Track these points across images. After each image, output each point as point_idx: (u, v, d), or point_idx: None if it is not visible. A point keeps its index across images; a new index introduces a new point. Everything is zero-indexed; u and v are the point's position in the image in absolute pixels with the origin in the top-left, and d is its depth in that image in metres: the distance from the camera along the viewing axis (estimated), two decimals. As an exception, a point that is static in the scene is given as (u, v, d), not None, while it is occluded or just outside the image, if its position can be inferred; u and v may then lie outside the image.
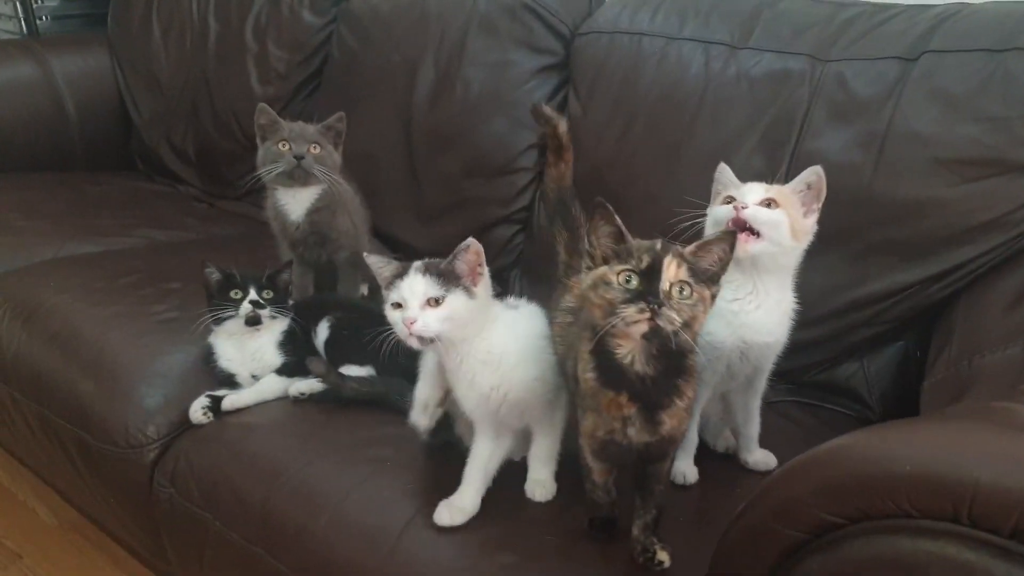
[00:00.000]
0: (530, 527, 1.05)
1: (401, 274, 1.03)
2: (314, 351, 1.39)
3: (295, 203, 1.54)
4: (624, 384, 0.88)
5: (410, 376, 1.37)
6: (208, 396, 1.31)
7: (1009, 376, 1.09)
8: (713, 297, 0.88)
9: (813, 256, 1.41)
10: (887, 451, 0.68)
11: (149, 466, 1.29)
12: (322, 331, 1.40)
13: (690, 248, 0.89)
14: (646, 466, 0.97)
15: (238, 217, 2.24)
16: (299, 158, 1.47)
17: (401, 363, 1.38)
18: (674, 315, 0.83)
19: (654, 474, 0.97)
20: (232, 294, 1.35)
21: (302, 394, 1.31)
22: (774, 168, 1.48)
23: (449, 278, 1.02)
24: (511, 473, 1.11)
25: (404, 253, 1.92)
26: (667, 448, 0.95)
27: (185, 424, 1.31)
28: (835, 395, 1.45)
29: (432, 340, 1.00)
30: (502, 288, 1.88)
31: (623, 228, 0.92)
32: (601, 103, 1.70)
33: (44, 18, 2.67)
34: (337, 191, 1.57)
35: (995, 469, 0.62)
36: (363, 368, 1.34)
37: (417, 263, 1.04)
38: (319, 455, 1.18)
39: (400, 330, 1.01)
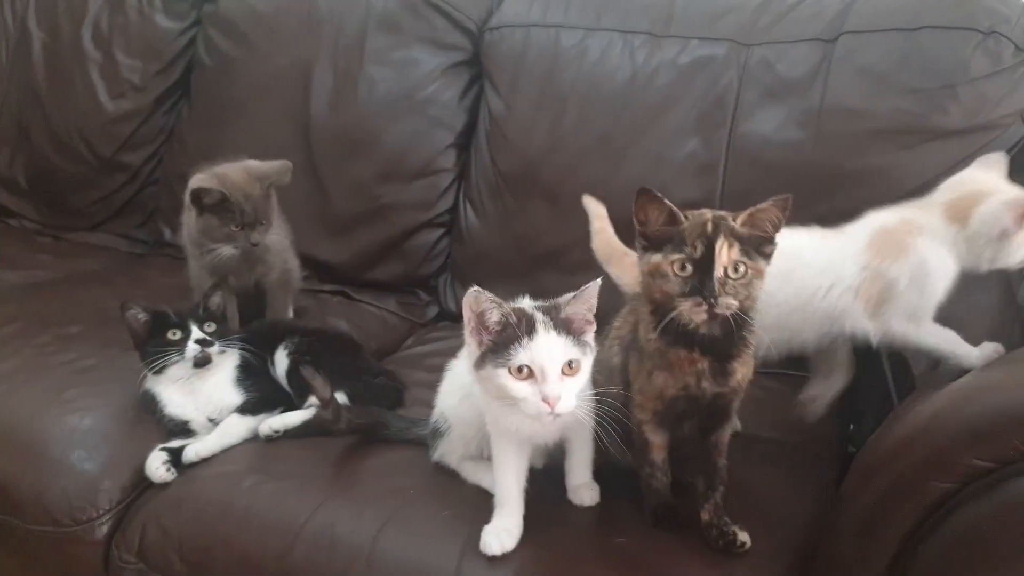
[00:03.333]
0: (590, 534, 0.99)
1: (526, 329, 0.86)
2: (274, 384, 1.23)
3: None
4: (695, 341, 0.90)
5: (385, 396, 1.26)
6: (164, 449, 1.11)
7: (985, 322, 1.19)
8: (768, 257, 0.90)
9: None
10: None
11: (103, 542, 1.07)
12: (280, 361, 1.24)
13: (742, 217, 0.90)
14: (708, 433, 0.96)
15: (97, 249, 1.97)
16: (255, 244, 1.34)
17: (373, 384, 1.27)
18: (730, 300, 0.86)
19: (717, 443, 0.96)
20: (170, 335, 1.17)
21: (276, 432, 1.15)
22: (712, 152, 1.52)
23: (573, 332, 0.88)
24: (540, 482, 1.02)
25: (314, 270, 1.76)
26: (732, 401, 0.94)
27: (142, 486, 1.10)
28: (794, 362, 1.49)
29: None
30: (431, 297, 1.80)
31: (673, 207, 0.90)
32: (526, 98, 1.66)
33: None
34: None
35: None
36: (338, 395, 1.20)
37: (539, 315, 0.88)
38: (329, 496, 1.03)
39: (533, 408, 0.86)
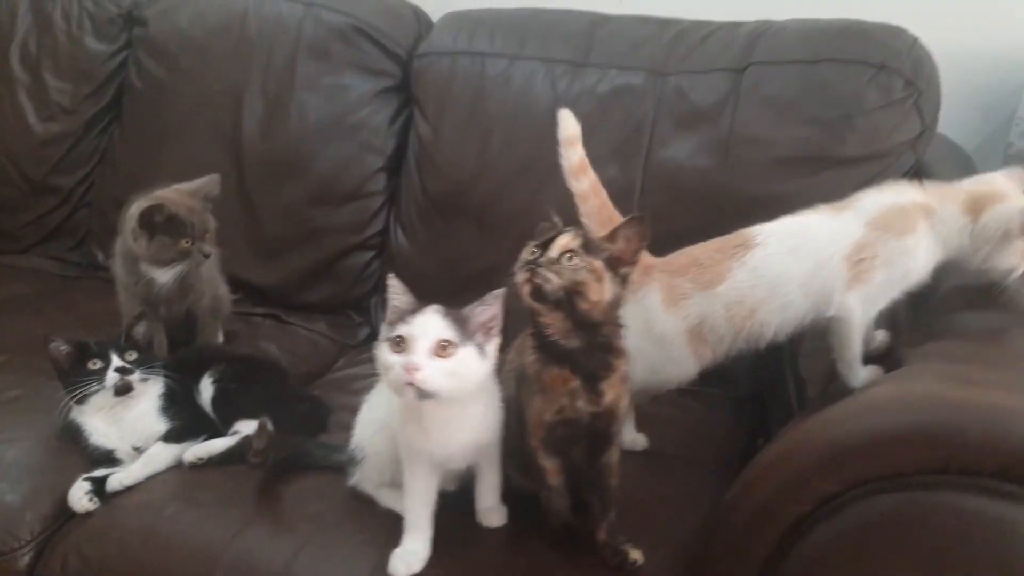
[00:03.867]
0: (495, 553, 1.04)
1: (415, 311, 0.92)
2: (199, 411, 1.26)
3: (167, 273, 1.39)
4: (563, 358, 0.95)
5: (308, 423, 1.30)
6: (87, 479, 1.14)
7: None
8: (619, 275, 0.95)
9: (676, 248, 1.56)
10: (871, 421, 0.77)
11: (24, 572, 1.09)
12: (206, 388, 1.27)
13: (604, 234, 0.99)
14: (595, 458, 1.01)
15: (28, 272, 1.95)
16: (207, 256, 1.37)
17: (297, 410, 1.30)
18: (551, 275, 0.92)
19: (605, 467, 1.01)
20: (90, 365, 1.19)
21: (200, 459, 1.18)
22: (630, 177, 1.59)
23: (465, 329, 0.93)
24: (450, 506, 1.08)
25: (246, 293, 1.79)
26: (612, 424, 0.99)
27: (64, 516, 1.12)
28: (708, 379, 1.55)
29: (429, 397, 0.90)
30: (363, 318, 1.84)
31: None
32: (453, 123, 1.71)
33: None
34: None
35: (976, 419, 0.72)
36: (258, 422, 1.23)
37: (436, 305, 0.94)
38: (247, 523, 1.07)
39: (395, 376, 0.89)
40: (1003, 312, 1.09)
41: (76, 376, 1.18)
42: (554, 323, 0.94)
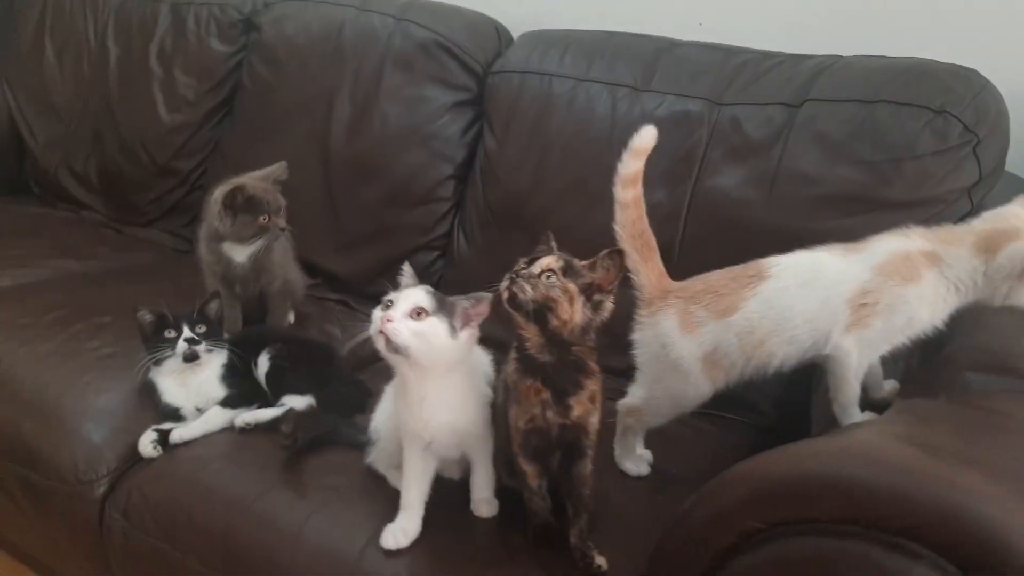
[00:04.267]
0: (478, 541, 1.15)
1: (408, 285, 1.09)
2: (255, 383, 1.44)
3: (243, 251, 1.58)
4: (537, 371, 1.05)
5: (347, 403, 1.45)
6: (155, 430, 1.34)
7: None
8: (592, 302, 1.04)
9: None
10: (799, 466, 0.83)
11: (99, 501, 1.31)
12: (263, 363, 1.44)
13: (586, 262, 1.07)
14: (570, 467, 1.10)
15: (148, 244, 2.23)
16: (284, 230, 1.56)
17: (339, 391, 1.46)
18: (527, 287, 1.01)
19: (578, 476, 1.10)
20: (166, 334, 1.38)
21: (248, 424, 1.36)
22: (676, 203, 1.65)
23: (446, 308, 1.06)
24: (454, 494, 1.20)
25: (323, 279, 1.98)
26: (581, 438, 1.08)
27: (134, 458, 1.32)
28: (731, 405, 1.57)
29: (397, 351, 1.03)
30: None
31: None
32: (516, 138, 1.82)
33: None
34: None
35: (890, 478, 0.77)
36: (304, 398, 1.40)
37: (427, 286, 1.10)
38: (274, 485, 1.23)
39: (374, 325, 1.04)
40: (1007, 376, 1.09)
41: (154, 342, 1.38)
42: (531, 336, 1.04)
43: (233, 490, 1.23)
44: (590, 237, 1.66)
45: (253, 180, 1.57)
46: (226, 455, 1.30)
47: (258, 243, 1.55)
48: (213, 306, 1.45)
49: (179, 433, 1.33)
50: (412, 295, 1.06)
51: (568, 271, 1.03)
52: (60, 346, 1.51)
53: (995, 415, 0.98)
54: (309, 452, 1.30)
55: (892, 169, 1.46)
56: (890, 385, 1.26)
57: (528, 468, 1.11)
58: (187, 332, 1.39)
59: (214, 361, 1.42)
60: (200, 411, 1.39)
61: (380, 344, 1.05)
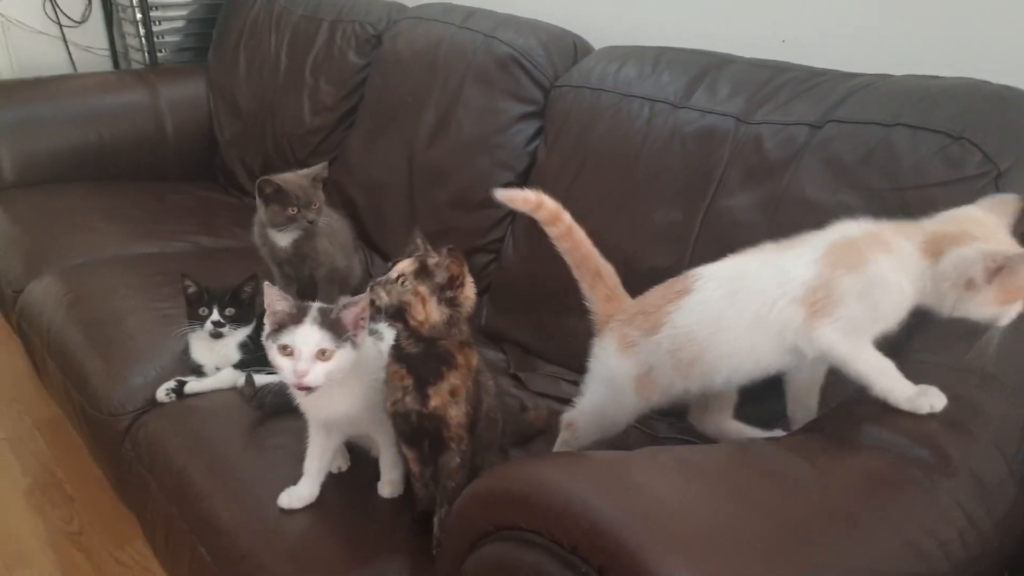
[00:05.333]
0: (369, 518, 1.26)
1: (296, 320, 1.12)
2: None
3: (283, 236, 1.81)
4: (403, 359, 1.13)
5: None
6: (176, 380, 1.60)
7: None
8: (445, 299, 1.10)
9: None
10: (507, 478, 0.85)
11: (121, 432, 1.60)
12: (275, 338, 1.66)
13: (434, 259, 1.12)
14: (436, 457, 1.16)
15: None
16: (312, 222, 1.75)
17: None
18: (382, 293, 1.09)
19: (443, 468, 1.16)
20: (200, 311, 1.63)
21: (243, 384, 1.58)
22: (689, 223, 1.60)
23: (338, 330, 1.12)
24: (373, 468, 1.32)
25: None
26: (441, 430, 1.13)
27: (155, 402, 1.60)
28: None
29: (313, 391, 1.13)
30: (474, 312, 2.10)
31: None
32: (561, 150, 1.87)
33: (163, 51, 3.14)
34: (318, 224, 1.83)
35: (561, 495, 0.77)
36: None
37: (312, 311, 1.13)
38: (237, 437, 1.44)
39: (288, 377, 1.12)
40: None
41: (192, 314, 1.65)
42: (401, 332, 1.13)
43: (205, 437, 1.46)
44: (614, 250, 1.71)
45: (292, 176, 1.79)
46: (217, 408, 1.53)
47: (292, 231, 1.76)
48: (247, 289, 1.69)
49: (191, 385, 1.59)
50: (310, 338, 1.10)
51: (421, 273, 1.10)
52: (143, 303, 1.85)
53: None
54: (280, 415, 1.48)
55: (895, 199, 1.32)
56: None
57: (407, 452, 1.20)
58: (215, 315, 1.63)
59: (239, 332, 1.66)
60: (219, 370, 1.64)
61: (300, 395, 1.17)
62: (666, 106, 1.71)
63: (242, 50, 2.88)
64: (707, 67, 1.72)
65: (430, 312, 1.10)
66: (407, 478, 1.28)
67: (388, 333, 1.28)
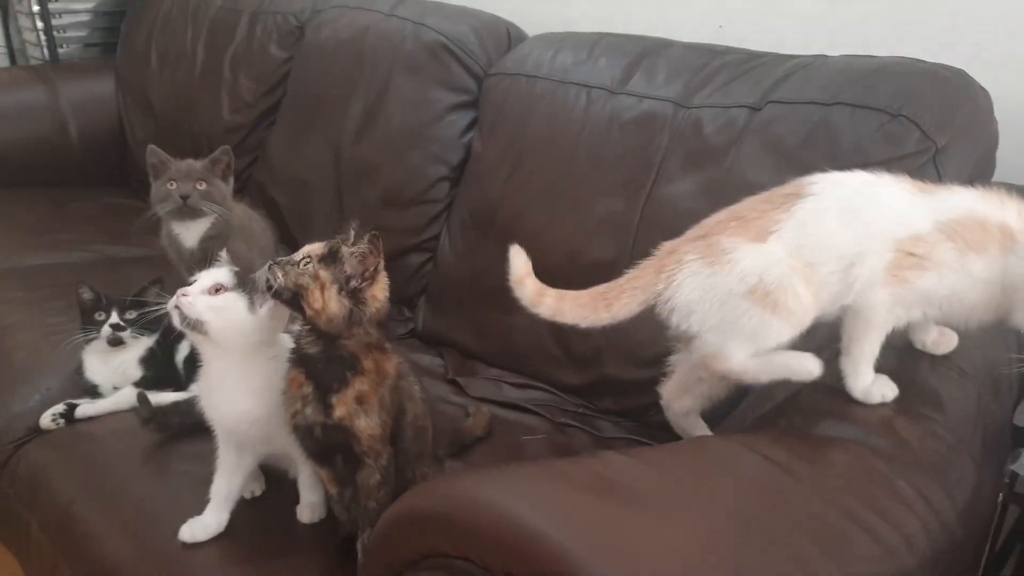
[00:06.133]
0: (287, 548, 1.11)
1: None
2: (174, 368, 1.49)
3: (188, 233, 1.64)
4: (302, 362, 1.01)
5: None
6: (66, 404, 1.42)
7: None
8: (349, 290, 0.98)
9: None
10: (431, 496, 0.73)
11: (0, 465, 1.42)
12: (183, 349, 1.49)
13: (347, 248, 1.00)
14: (354, 475, 1.03)
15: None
16: (185, 197, 1.58)
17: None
18: (279, 273, 0.98)
19: (361, 487, 1.03)
20: (96, 316, 1.46)
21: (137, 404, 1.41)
22: (630, 212, 1.50)
23: (247, 285, 1.06)
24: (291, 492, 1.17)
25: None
26: (352, 443, 1.00)
27: (39, 429, 1.42)
28: (672, 435, 1.44)
29: (193, 327, 1.03)
30: (411, 314, 1.97)
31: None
32: (497, 142, 1.76)
33: (65, 46, 2.91)
34: (229, 219, 1.67)
35: (500, 517, 0.64)
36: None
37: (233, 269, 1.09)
38: (136, 464, 1.27)
39: (170, 305, 1.05)
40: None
41: (87, 322, 1.48)
42: (300, 326, 1.00)
43: (96, 465, 1.29)
44: (556, 245, 1.61)
45: (183, 160, 1.63)
46: (115, 433, 1.36)
47: (172, 212, 1.59)
48: (152, 292, 1.52)
49: (83, 409, 1.41)
50: (214, 273, 1.07)
51: (329, 259, 0.98)
52: (30, 319, 1.66)
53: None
54: (186, 438, 1.32)
55: (840, 178, 1.24)
56: None
57: (320, 471, 1.07)
58: (114, 318, 1.46)
59: (139, 344, 1.49)
60: (117, 390, 1.46)
61: (176, 319, 1.05)
62: (603, 92, 1.61)
63: (154, 44, 2.68)
64: (644, 51, 1.63)
65: (328, 301, 0.97)
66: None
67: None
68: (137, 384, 1.46)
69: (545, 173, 1.65)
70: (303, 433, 1.02)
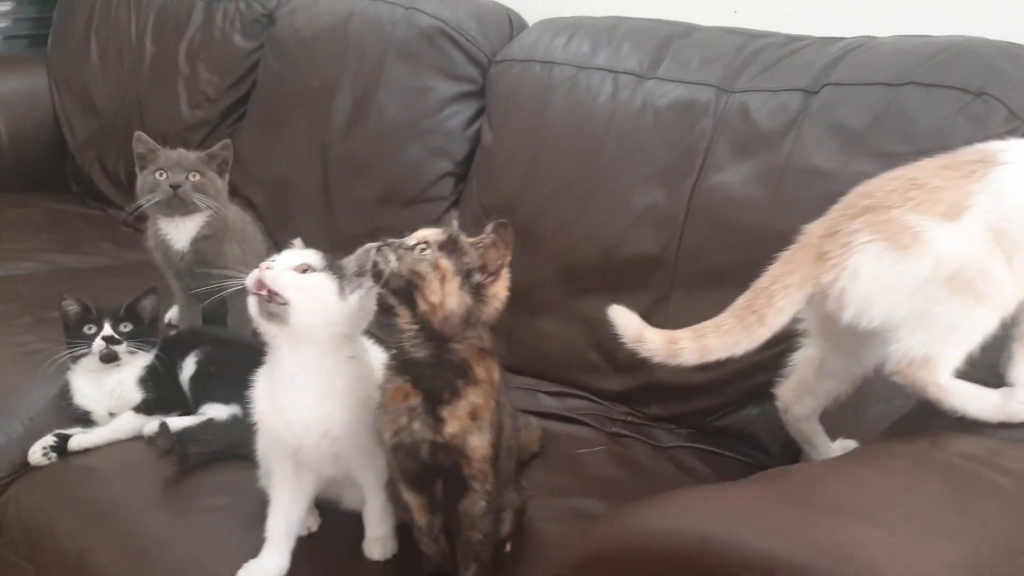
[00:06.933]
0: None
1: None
2: (178, 388, 1.32)
3: (178, 232, 1.48)
4: (408, 369, 0.88)
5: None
6: (56, 435, 1.23)
7: (881, 427, 1.02)
8: (472, 284, 0.86)
9: (711, 291, 1.36)
10: (636, 527, 0.61)
11: (-20, 512, 1.22)
12: (188, 366, 1.32)
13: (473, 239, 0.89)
14: (455, 502, 0.90)
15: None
16: (175, 187, 1.41)
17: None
18: (392, 257, 0.85)
19: (465, 515, 0.90)
20: (86, 329, 1.28)
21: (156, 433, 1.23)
22: (675, 204, 1.42)
23: (335, 269, 0.95)
24: (352, 529, 1.03)
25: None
26: (462, 465, 0.88)
27: (27, 466, 1.22)
28: (735, 441, 1.36)
29: (273, 315, 0.90)
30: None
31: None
32: (511, 133, 1.65)
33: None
34: (224, 218, 1.50)
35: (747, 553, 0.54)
36: (228, 407, 1.26)
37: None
38: (153, 503, 1.10)
39: (250, 280, 0.91)
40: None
41: (73, 336, 1.29)
42: (405, 324, 0.87)
43: (106, 506, 1.11)
44: (586, 240, 1.50)
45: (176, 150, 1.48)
46: (118, 466, 1.18)
47: (161, 205, 1.43)
48: (147, 303, 1.35)
49: (78, 440, 1.23)
50: (298, 253, 0.95)
51: (449, 247, 0.86)
52: (-6, 338, 1.45)
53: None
54: (206, 468, 1.16)
55: (920, 161, 1.19)
56: (839, 445, 1.01)
57: (411, 498, 0.92)
58: (107, 330, 1.28)
59: (136, 362, 1.31)
60: (113, 416, 1.28)
61: (253, 306, 0.91)
62: (632, 78, 1.52)
63: (93, 36, 2.45)
64: (671, 35, 1.55)
65: (448, 295, 0.84)
66: (400, 531, 1.00)
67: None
68: (137, 409, 1.28)
69: (569, 164, 1.55)
70: (406, 453, 0.89)
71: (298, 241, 1.01)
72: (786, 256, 0.92)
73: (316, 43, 1.95)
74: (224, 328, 1.51)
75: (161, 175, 1.42)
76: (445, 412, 0.86)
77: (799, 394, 1.05)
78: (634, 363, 1.44)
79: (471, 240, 0.87)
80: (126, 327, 1.30)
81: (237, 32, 2.16)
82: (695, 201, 1.40)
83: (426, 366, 0.86)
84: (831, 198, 1.24)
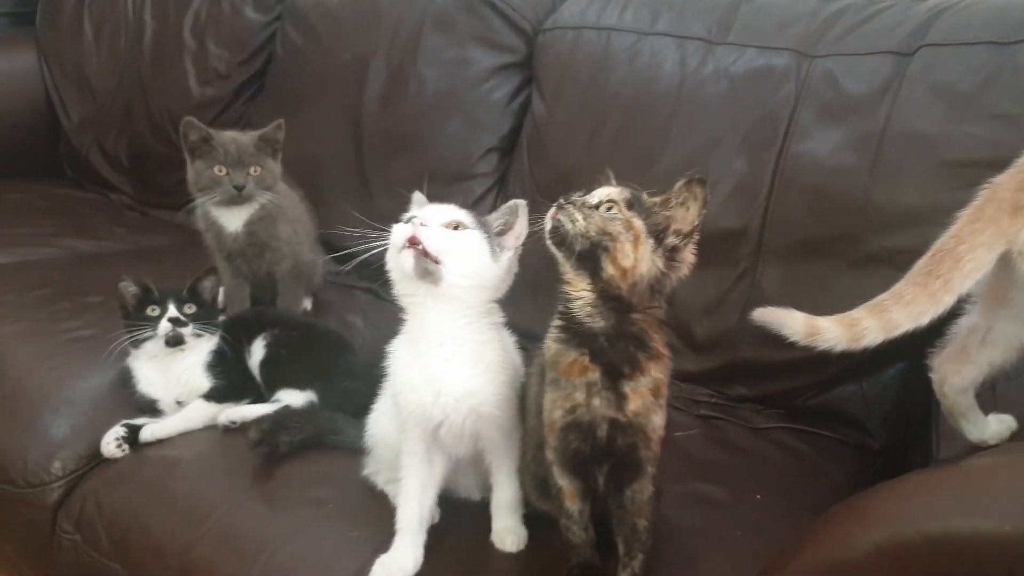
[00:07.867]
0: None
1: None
2: (247, 374, 1.23)
3: (232, 216, 1.40)
4: (584, 341, 0.80)
5: (355, 401, 1.22)
6: (125, 426, 1.14)
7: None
8: (664, 247, 0.80)
9: (803, 265, 1.32)
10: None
11: (52, 508, 1.11)
12: (257, 350, 1.23)
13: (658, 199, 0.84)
14: (621, 488, 0.84)
15: (173, 227, 2.04)
16: (240, 188, 1.33)
17: (346, 387, 1.23)
18: (578, 216, 0.79)
19: (633, 502, 0.84)
20: (149, 311, 1.19)
21: (233, 423, 1.15)
22: (758, 172, 1.37)
23: (484, 227, 0.90)
24: (472, 519, 0.95)
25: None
26: (638, 446, 0.82)
27: (96, 459, 1.13)
28: (832, 421, 1.31)
29: (425, 273, 0.84)
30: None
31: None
32: (568, 104, 1.58)
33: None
34: (278, 201, 1.41)
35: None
36: (304, 393, 1.18)
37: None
38: (250, 496, 1.02)
39: (399, 237, 0.85)
40: None
41: (135, 319, 1.19)
42: (579, 292, 0.80)
43: (199, 501, 1.02)
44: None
45: (230, 133, 1.39)
46: (201, 458, 1.09)
47: (223, 201, 1.36)
48: (207, 284, 1.25)
49: (151, 430, 1.13)
50: (445, 209, 0.90)
51: (635, 206, 0.80)
52: (35, 325, 1.34)
53: None
54: (296, 458, 1.07)
55: (1043, 123, 1.16)
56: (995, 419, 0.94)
57: (566, 485, 0.85)
58: (172, 311, 1.18)
59: (201, 347, 1.22)
60: (181, 404, 1.19)
61: (406, 262, 0.84)
62: (701, 44, 1.47)
63: (86, 12, 2.32)
64: (735, 1, 1.50)
65: (640, 260, 0.77)
66: (533, 521, 0.93)
67: None
68: (207, 396, 1.18)
69: (636, 135, 1.49)
70: (579, 433, 0.81)
71: (419, 195, 0.95)
72: (970, 214, 0.86)
73: (344, 14, 1.86)
74: (278, 309, 1.42)
75: (221, 171, 1.34)
76: (627, 388, 0.79)
77: (958, 364, 0.99)
78: (713, 342, 1.41)
79: (656, 199, 0.81)
80: (190, 309, 1.20)
81: (248, 5, 2.06)
82: (781, 171, 1.35)
83: (604, 337, 0.79)
84: (941, 165, 1.23)
